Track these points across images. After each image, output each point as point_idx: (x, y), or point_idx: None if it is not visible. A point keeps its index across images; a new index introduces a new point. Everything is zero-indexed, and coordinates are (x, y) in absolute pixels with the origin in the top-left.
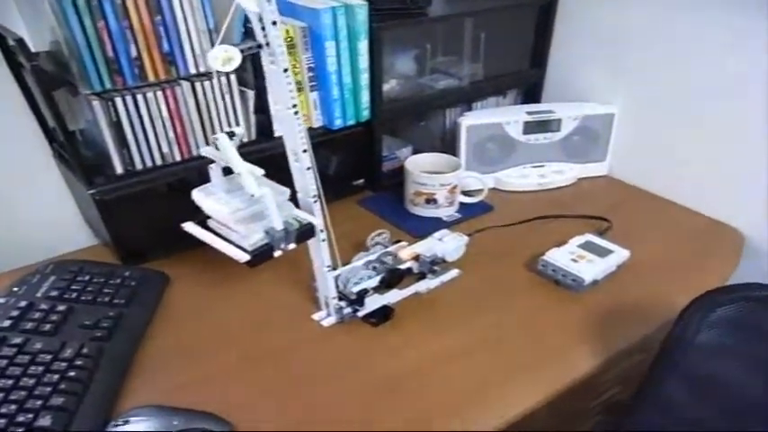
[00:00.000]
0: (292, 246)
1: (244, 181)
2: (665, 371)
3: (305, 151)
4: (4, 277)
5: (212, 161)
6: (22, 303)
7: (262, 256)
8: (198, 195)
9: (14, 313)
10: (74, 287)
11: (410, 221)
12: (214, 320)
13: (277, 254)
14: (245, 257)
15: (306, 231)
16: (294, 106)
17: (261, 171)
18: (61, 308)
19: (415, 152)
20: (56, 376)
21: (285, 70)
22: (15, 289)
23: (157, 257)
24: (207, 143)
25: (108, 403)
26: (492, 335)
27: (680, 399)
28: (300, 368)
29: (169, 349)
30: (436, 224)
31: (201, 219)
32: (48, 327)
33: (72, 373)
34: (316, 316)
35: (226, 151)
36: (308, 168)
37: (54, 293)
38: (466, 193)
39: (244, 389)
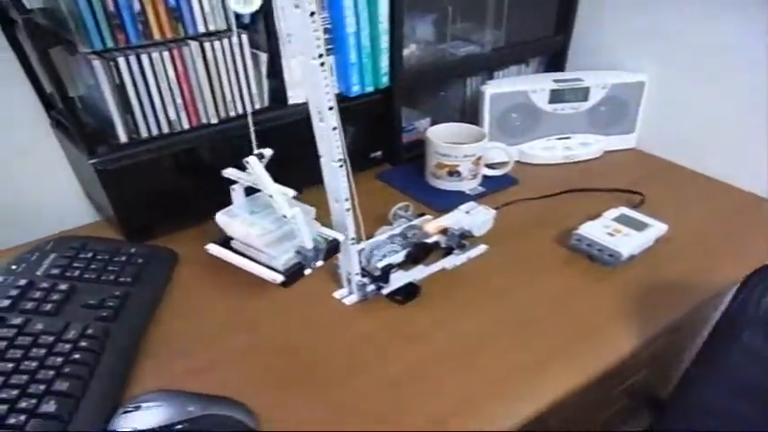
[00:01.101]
0: (320, 263)
1: (275, 202)
2: (726, 345)
3: (331, 109)
4: (1, 256)
5: (234, 182)
6: (22, 282)
7: (294, 275)
8: (223, 219)
9: (13, 292)
10: (76, 265)
11: (431, 195)
12: (227, 300)
13: (307, 272)
14: (279, 278)
15: (333, 248)
16: (320, 56)
17: (292, 192)
18: (63, 287)
19: (434, 124)
20: (59, 359)
21: (312, 14)
22: (14, 267)
23: (165, 233)
24: (216, 110)
25: (116, 388)
26: (524, 314)
27: (743, 375)
28: (321, 350)
29: (179, 332)
30: (459, 198)
31: (224, 239)
32: (49, 306)
33: (77, 356)
34: (337, 294)
35: (257, 173)
36: (334, 129)
37: (55, 271)
38: (489, 166)
39: (260, 374)
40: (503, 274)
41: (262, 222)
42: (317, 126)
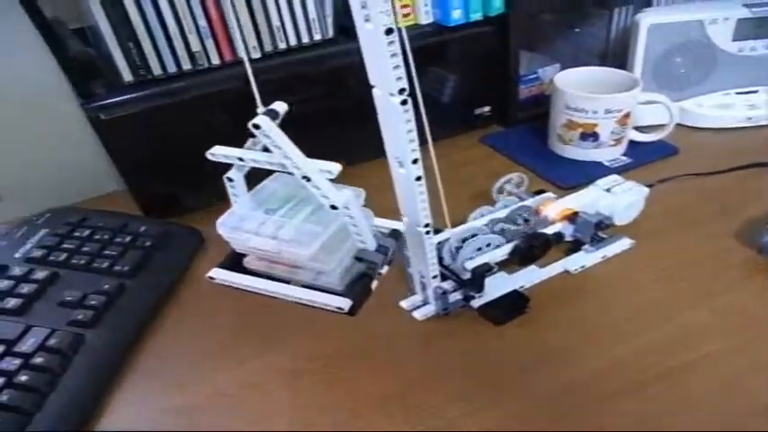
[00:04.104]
0: (386, 269)
1: (317, 187)
2: None
3: None
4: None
5: (229, 166)
6: None
7: (362, 295)
8: (229, 231)
9: None
10: (66, 245)
11: (555, 166)
12: (257, 304)
13: (374, 285)
14: (345, 304)
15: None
16: None
17: (337, 167)
18: (41, 275)
19: None
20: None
21: None
22: None
23: (197, 209)
24: (258, 40)
25: (70, 427)
26: (696, 349)
27: None
28: (373, 385)
29: (183, 346)
30: (595, 171)
31: (233, 258)
32: (14, 302)
33: (23, 378)
34: (405, 303)
35: (279, 143)
36: (389, 32)
37: (38, 253)
38: (637, 129)
39: (282, 417)
40: (656, 283)
41: (294, 225)
42: (362, 30)
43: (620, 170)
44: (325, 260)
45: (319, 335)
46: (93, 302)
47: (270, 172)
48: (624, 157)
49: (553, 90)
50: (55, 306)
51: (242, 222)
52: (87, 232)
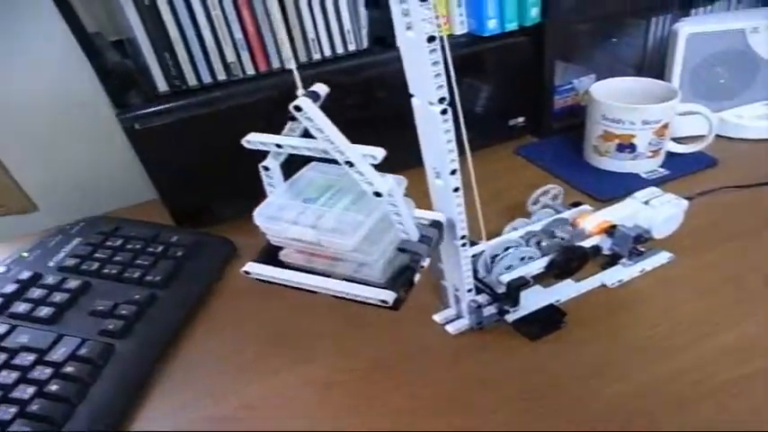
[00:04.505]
0: (427, 262)
1: (360, 173)
2: None
3: None
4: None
5: (264, 154)
6: (25, 275)
7: (407, 289)
8: (266, 221)
9: (9, 289)
10: (98, 255)
11: (592, 178)
12: (291, 315)
13: (416, 278)
14: (389, 296)
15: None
16: None
17: (381, 152)
18: (73, 284)
19: None
20: (31, 389)
21: None
22: (25, 254)
23: (229, 219)
24: (293, 49)
25: None
26: (737, 368)
27: None
28: (404, 399)
29: (214, 356)
30: (632, 183)
31: (269, 252)
32: (46, 311)
33: (54, 387)
34: (438, 317)
35: (320, 125)
36: (431, 39)
37: (70, 262)
38: (675, 140)
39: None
40: (695, 299)
41: (335, 214)
42: (402, 38)
43: (658, 182)
44: (368, 251)
45: (351, 347)
46: (123, 312)
47: (305, 162)
48: (662, 169)
49: (589, 101)
50: (86, 315)
51: (280, 212)
52: (119, 242)
